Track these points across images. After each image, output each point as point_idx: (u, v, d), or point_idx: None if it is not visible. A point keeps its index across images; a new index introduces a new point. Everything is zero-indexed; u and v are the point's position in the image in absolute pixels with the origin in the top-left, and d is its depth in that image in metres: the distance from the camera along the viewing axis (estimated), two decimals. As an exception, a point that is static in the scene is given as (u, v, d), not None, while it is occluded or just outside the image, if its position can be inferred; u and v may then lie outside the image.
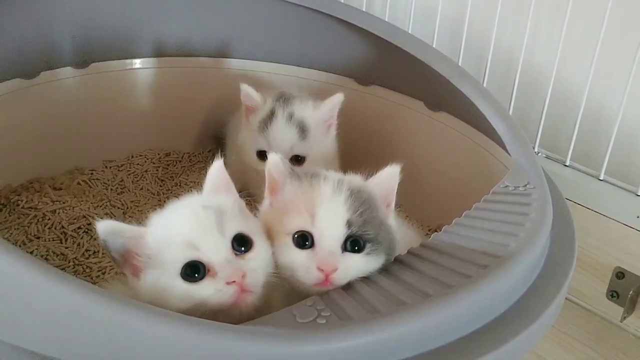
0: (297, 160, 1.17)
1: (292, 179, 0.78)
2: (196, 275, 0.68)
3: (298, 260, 0.73)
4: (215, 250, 0.69)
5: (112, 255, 0.71)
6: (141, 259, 0.71)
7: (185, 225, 0.71)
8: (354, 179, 0.80)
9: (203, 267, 0.69)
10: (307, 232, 0.73)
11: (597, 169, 1.22)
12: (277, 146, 1.13)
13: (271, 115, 1.16)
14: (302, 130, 1.15)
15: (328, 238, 0.73)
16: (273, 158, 0.79)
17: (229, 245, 0.70)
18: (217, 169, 0.77)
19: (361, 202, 0.75)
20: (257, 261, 0.72)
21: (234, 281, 0.67)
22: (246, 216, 0.78)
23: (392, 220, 0.81)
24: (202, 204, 0.73)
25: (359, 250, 0.74)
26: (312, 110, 1.18)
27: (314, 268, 0.71)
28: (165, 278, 0.69)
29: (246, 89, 1.19)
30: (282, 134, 1.15)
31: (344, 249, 0.73)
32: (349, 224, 0.73)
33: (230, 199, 0.77)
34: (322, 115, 1.18)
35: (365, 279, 0.71)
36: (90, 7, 1.34)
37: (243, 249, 0.72)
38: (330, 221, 0.73)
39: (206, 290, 0.68)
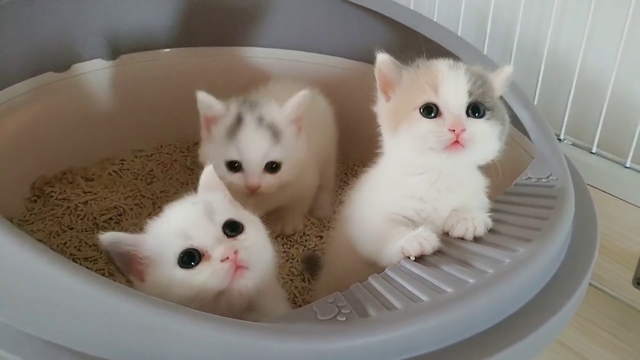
0: (271, 168, 1.10)
1: (407, 70, 0.84)
2: (192, 262, 0.73)
3: (428, 127, 0.79)
4: (205, 235, 0.74)
5: (117, 265, 0.76)
6: (143, 261, 0.75)
7: (177, 220, 0.77)
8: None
9: (198, 254, 0.73)
10: (433, 103, 0.79)
11: (624, 156, 1.21)
12: (251, 156, 1.07)
13: (238, 121, 1.09)
14: (275, 133, 1.09)
15: (453, 104, 0.79)
16: (382, 57, 0.83)
17: (220, 230, 0.75)
18: (208, 172, 0.84)
19: (478, 77, 0.82)
20: (249, 240, 0.76)
21: (227, 257, 0.71)
22: (237, 207, 0.82)
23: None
24: (192, 201, 0.79)
25: (481, 116, 0.80)
26: (280, 111, 1.11)
27: (445, 130, 0.78)
28: (165, 271, 0.73)
29: (204, 98, 1.10)
30: (255, 141, 1.08)
31: (467, 115, 0.80)
32: (470, 93, 0.80)
33: (220, 194, 0.82)
34: (290, 114, 1.11)
35: (384, 277, 0.73)
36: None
37: (234, 233, 0.76)
38: (453, 90, 0.80)
39: (204, 273, 0.72)
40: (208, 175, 0.84)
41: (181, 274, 0.72)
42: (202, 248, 0.73)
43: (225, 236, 0.75)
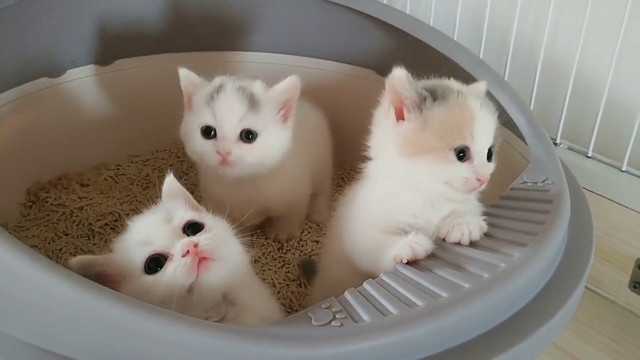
0: (247, 136, 1.06)
1: (440, 102, 0.81)
2: (159, 268, 0.73)
3: (462, 172, 0.80)
4: (165, 238, 0.74)
5: None
6: (115, 278, 0.75)
7: (138, 230, 0.77)
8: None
9: (163, 258, 0.73)
10: (467, 147, 0.80)
11: (620, 160, 1.21)
12: (225, 118, 1.05)
13: (219, 88, 1.07)
14: (253, 102, 1.06)
15: (482, 151, 0.81)
16: (399, 73, 0.81)
17: (179, 231, 0.76)
18: (169, 181, 0.85)
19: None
20: (211, 234, 0.75)
21: (188, 251, 0.71)
22: (200, 210, 0.83)
23: None
24: (153, 211, 0.80)
25: (490, 159, 0.83)
26: (264, 88, 1.09)
27: (474, 178, 0.80)
28: (136, 282, 0.73)
29: (186, 74, 1.12)
30: (231, 104, 1.06)
31: None
32: (493, 137, 0.83)
33: (182, 200, 0.83)
34: (274, 94, 1.09)
35: (379, 282, 0.72)
36: (113, 4, 1.36)
37: (195, 233, 0.76)
38: (485, 135, 0.81)
39: (168, 272, 0.72)
40: (169, 183, 0.85)
41: (150, 280, 0.72)
42: (164, 250, 0.73)
43: (186, 235, 0.75)
